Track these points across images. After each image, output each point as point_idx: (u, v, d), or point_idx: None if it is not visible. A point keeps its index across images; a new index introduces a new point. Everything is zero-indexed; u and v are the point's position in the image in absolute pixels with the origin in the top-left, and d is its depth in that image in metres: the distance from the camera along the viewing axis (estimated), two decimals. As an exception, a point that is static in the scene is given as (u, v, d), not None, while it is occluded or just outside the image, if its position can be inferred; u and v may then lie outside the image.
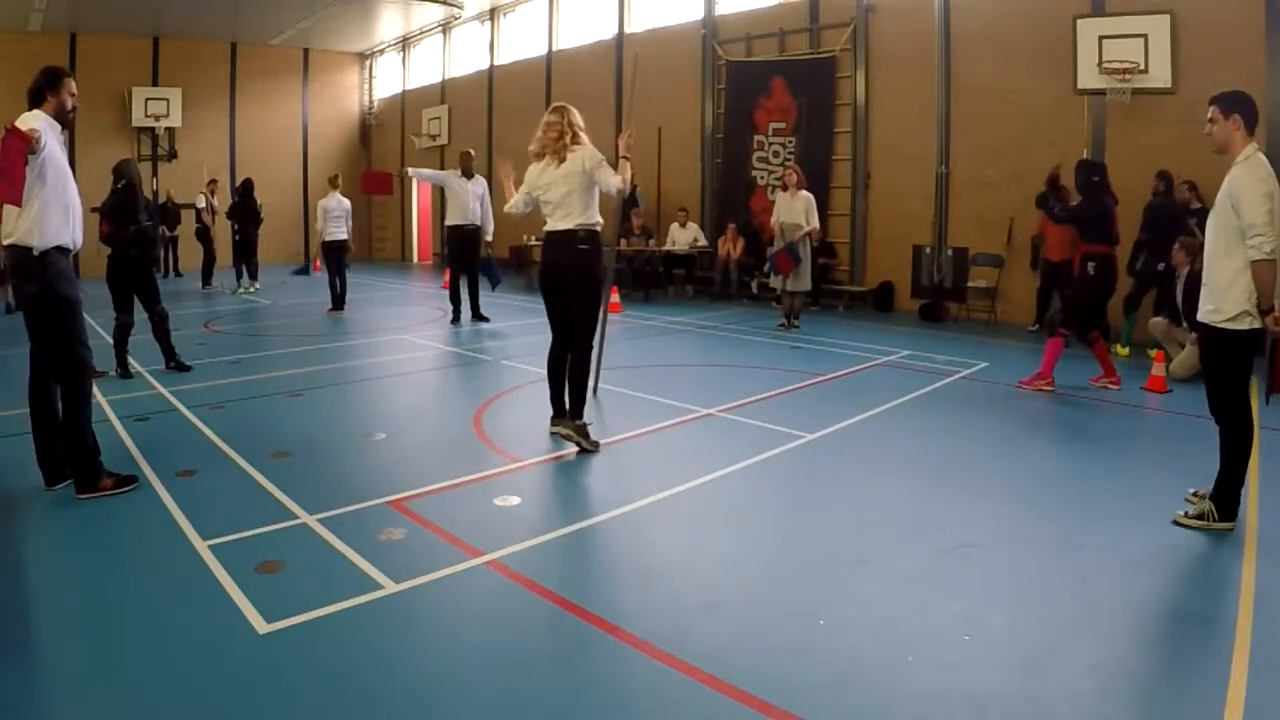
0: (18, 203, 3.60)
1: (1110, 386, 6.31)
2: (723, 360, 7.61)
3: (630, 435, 5.05)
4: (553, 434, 4.81)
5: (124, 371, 6.56)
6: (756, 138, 12.50)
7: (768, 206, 12.26)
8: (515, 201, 4.95)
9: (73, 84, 3.91)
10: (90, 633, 2.70)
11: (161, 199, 15.95)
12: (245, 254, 13.35)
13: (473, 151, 10.22)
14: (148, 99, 17.31)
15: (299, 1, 15.99)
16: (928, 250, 10.63)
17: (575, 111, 4.78)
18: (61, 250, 3.80)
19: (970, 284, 10.29)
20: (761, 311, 10.91)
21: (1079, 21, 8.88)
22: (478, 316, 9.77)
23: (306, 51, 20.03)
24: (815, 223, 9.22)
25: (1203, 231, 7.23)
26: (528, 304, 11.37)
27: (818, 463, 4.61)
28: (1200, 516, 3.60)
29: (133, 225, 6.42)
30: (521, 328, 9.28)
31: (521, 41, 17.18)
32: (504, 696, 2.38)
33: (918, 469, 4.48)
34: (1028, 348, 8.20)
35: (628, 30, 14.63)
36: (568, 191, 4.63)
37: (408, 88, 20.47)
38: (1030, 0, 9.65)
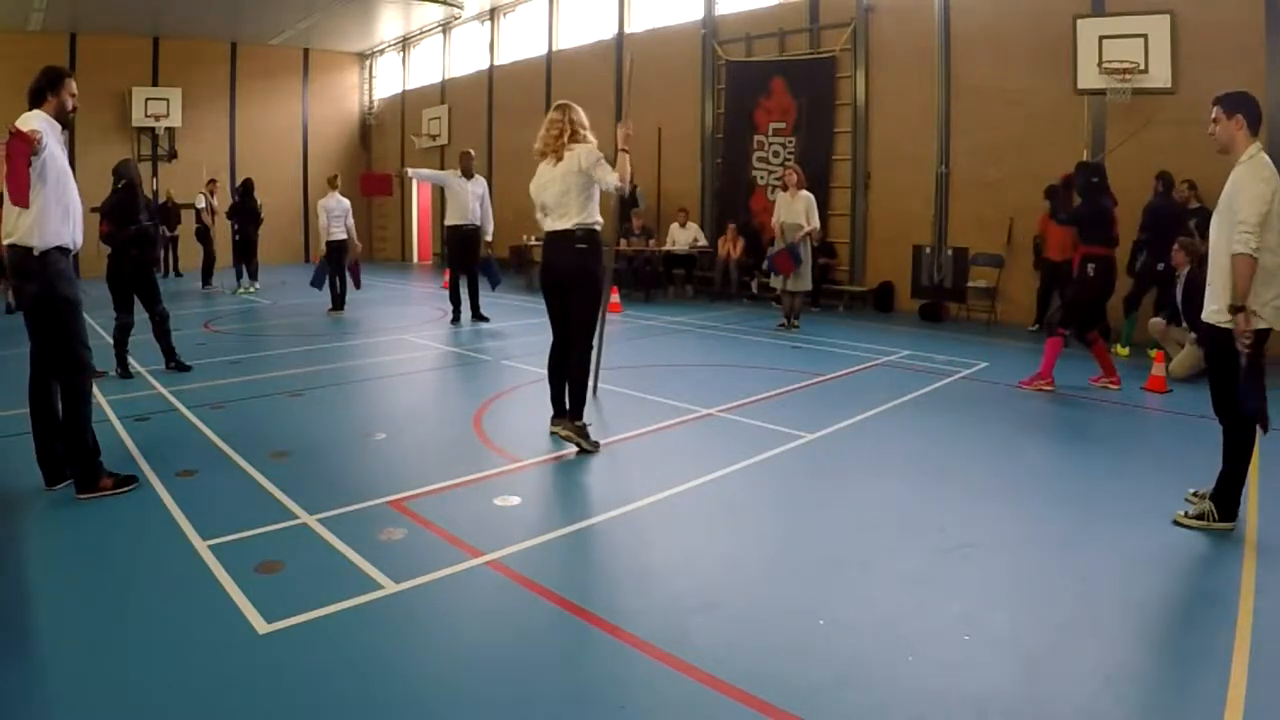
0: (25, 204, 3.61)
1: (1110, 386, 6.31)
2: (723, 360, 7.61)
3: (630, 435, 5.05)
4: (553, 434, 4.81)
5: (124, 371, 6.56)
6: (756, 138, 12.50)
7: (768, 206, 12.27)
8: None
9: (73, 84, 3.91)
10: (90, 633, 2.70)
11: (161, 199, 15.95)
12: (245, 254, 13.35)
13: (472, 151, 10.21)
14: (148, 99, 17.32)
15: (299, 1, 16.00)
16: (928, 250, 10.63)
17: (579, 109, 4.76)
18: (62, 250, 3.80)
19: (970, 284, 10.28)
20: (761, 311, 10.91)
21: (1079, 21, 8.88)
22: (478, 316, 9.77)
23: (306, 51, 20.04)
24: (815, 223, 9.23)
25: (1202, 232, 7.27)
26: (528, 304, 11.38)
27: (818, 463, 4.61)
28: (1200, 516, 3.60)
29: (133, 225, 6.42)
30: (521, 328, 9.28)
31: (521, 41, 17.18)
32: (504, 696, 2.38)
33: (918, 469, 4.48)
34: (1028, 348, 8.20)
35: (628, 30, 14.63)
36: (564, 191, 4.60)
37: (408, 88, 20.48)
38: (1030, 0, 9.65)
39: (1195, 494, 3.85)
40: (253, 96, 19.22)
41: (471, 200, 9.57)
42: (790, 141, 12.13)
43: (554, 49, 16.22)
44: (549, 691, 2.41)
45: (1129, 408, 5.93)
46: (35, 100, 3.79)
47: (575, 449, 4.62)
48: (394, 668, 2.50)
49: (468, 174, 9.63)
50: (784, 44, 12.27)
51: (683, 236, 12.73)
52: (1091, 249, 6.23)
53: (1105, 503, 3.95)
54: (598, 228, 4.67)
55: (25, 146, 3.51)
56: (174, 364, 6.80)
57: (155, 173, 17.60)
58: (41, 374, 3.90)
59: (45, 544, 3.46)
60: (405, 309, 11.58)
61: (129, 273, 6.52)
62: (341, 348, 8.34)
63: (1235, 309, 3.45)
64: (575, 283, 4.65)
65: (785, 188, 9.35)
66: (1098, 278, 6.20)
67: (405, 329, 9.47)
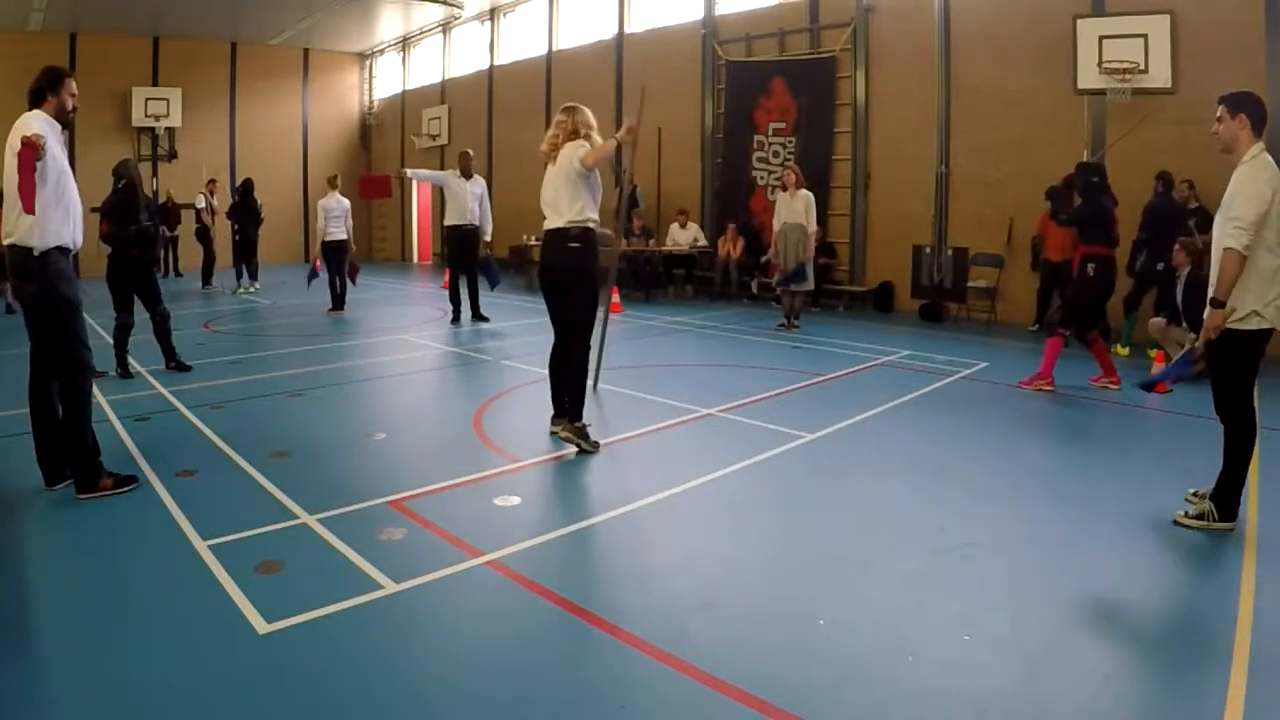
0: (32, 210, 3.61)
1: (1110, 386, 6.32)
2: (723, 360, 7.61)
3: (630, 435, 5.05)
4: (553, 434, 4.80)
5: (124, 371, 6.56)
6: (756, 138, 12.50)
7: (768, 206, 12.27)
8: None
9: (73, 84, 3.91)
10: (90, 633, 2.70)
11: (161, 199, 15.95)
12: (245, 254, 13.35)
13: (471, 151, 10.20)
14: (148, 99, 17.32)
15: (299, 1, 16.00)
16: (928, 250, 10.63)
17: (586, 111, 4.77)
18: (62, 250, 3.80)
19: (970, 284, 10.29)
20: (761, 311, 10.91)
21: (1079, 21, 8.88)
22: (478, 316, 9.77)
23: (306, 51, 20.04)
24: (815, 224, 9.20)
25: (1201, 231, 7.28)
26: (528, 304, 11.37)
27: (818, 463, 4.61)
28: (1200, 516, 3.60)
29: (133, 225, 6.42)
30: (521, 328, 9.27)
31: (521, 41, 17.18)
32: (504, 696, 2.38)
33: (918, 469, 4.48)
34: (1028, 348, 8.20)
35: (628, 30, 14.64)
36: (556, 189, 4.63)
37: (408, 88, 20.48)
38: (1030, 0, 9.65)
39: (1195, 494, 3.85)
40: (253, 96, 19.22)
41: (470, 200, 9.56)
42: (790, 141, 12.13)
43: (554, 49, 16.22)
44: (549, 691, 2.41)
45: (1129, 408, 5.93)
46: (35, 100, 3.79)
47: (575, 449, 4.62)
48: (394, 668, 2.50)
49: (466, 174, 9.63)
50: (784, 44, 12.27)
51: (683, 237, 12.73)
52: (1092, 249, 6.23)
53: (1105, 503, 3.95)
54: (592, 225, 4.63)
55: (31, 154, 3.52)
56: (174, 364, 6.80)
57: (155, 173, 17.60)
58: (41, 374, 3.90)
59: (45, 544, 3.46)
60: (405, 309, 11.58)
61: (129, 273, 6.52)
62: (341, 348, 8.34)
63: (1216, 303, 3.49)
64: (571, 282, 4.65)
65: (784, 188, 9.35)
66: (1097, 278, 6.20)
67: (405, 329, 9.47)
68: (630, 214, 12.30)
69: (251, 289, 13.31)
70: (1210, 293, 3.65)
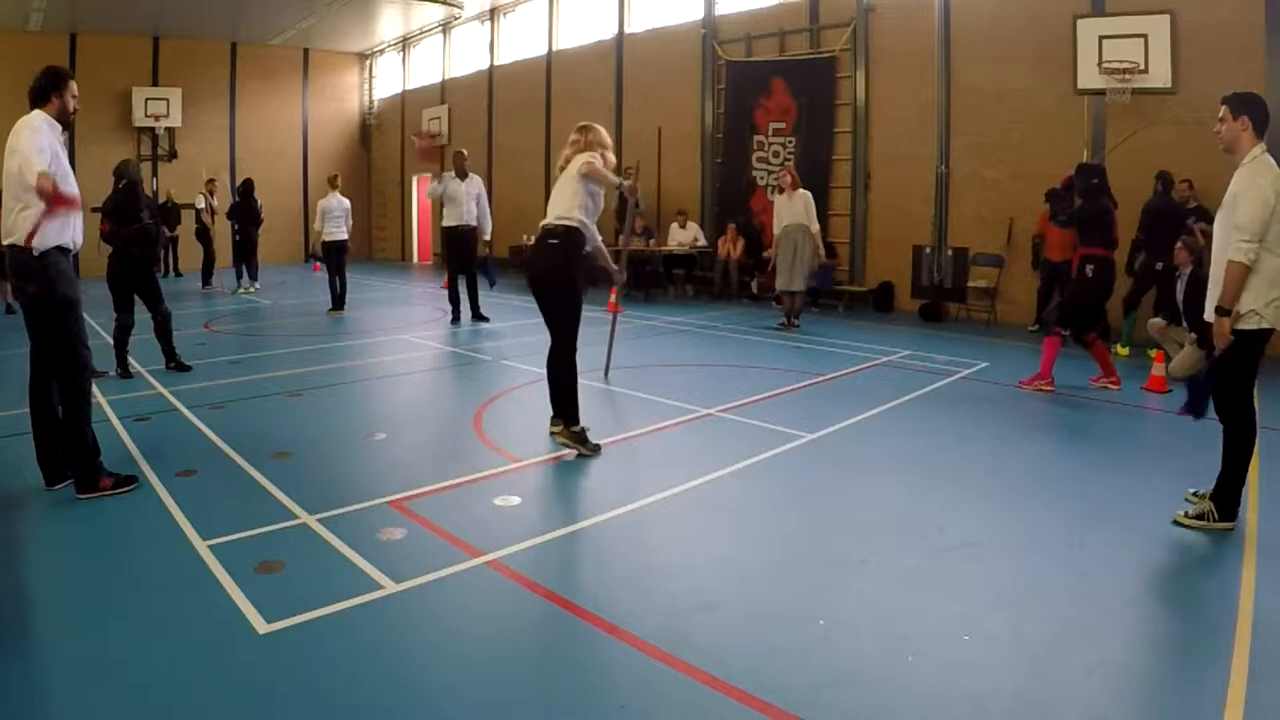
0: (77, 205, 3.81)
1: (1110, 387, 6.31)
2: (723, 360, 7.61)
3: (630, 435, 5.05)
4: (552, 434, 4.80)
5: (124, 372, 6.56)
6: (756, 138, 12.50)
7: (768, 207, 12.25)
8: None
9: (75, 85, 3.90)
10: (90, 633, 2.70)
11: (162, 199, 15.95)
12: (245, 254, 13.35)
13: (465, 151, 10.20)
14: (148, 99, 17.32)
15: (299, 1, 15.99)
16: (928, 250, 10.63)
17: (600, 130, 4.80)
18: (62, 250, 3.79)
19: (970, 284, 10.29)
20: (761, 311, 10.90)
21: (1079, 21, 8.88)
22: (478, 316, 9.78)
23: (306, 51, 20.03)
24: (816, 223, 9.20)
25: (1201, 230, 7.27)
26: (527, 304, 11.32)
27: (818, 463, 4.61)
28: (1200, 516, 3.60)
29: (134, 224, 6.42)
30: (521, 328, 9.27)
31: (521, 41, 17.18)
32: (504, 696, 2.38)
33: (917, 469, 4.48)
34: (1028, 348, 8.20)
35: (628, 30, 14.64)
36: (558, 191, 4.68)
37: (408, 88, 20.48)
38: (1030, 0, 9.65)
39: (1195, 494, 3.85)
40: (253, 96, 19.22)
41: (467, 200, 9.58)
42: (790, 141, 12.13)
43: (554, 49, 16.22)
44: (549, 691, 2.41)
45: (1129, 408, 5.93)
46: (38, 100, 3.78)
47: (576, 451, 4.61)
48: (394, 668, 2.50)
49: (462, 174, 9.64)
50: (784, 44, 12.27)
51: (682, 237, 12.73)
52: (1091, 250, 6.23)
53: (1105, 503, 3.95)
54: (577, 225, 4.58)
55: (51, 192, 3.60)
56: (174, 364, 6.80)
57: (155, 173, 17.60)
58: (41, 374, 3.90)
59: (45, 544, 3.46)
60: (405, 309, 11.59)
61: (130, 273, 6.52)
62: (341, 348, 8.34)
63: (1221, 311, 3.49)
64: (549, 280, 4.62)
65: (782, 190, 9.34)
66: (1096, 279, 6.20)
67: (405, 329, 9.47)
68: (632, 218, 12.29)
69: (251, 289, 13.31)
70: (1211, 294, 3.65)
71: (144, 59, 17.60)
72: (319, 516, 3.63)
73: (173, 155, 17.90)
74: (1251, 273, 3.45)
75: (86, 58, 16.35)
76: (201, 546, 3.30)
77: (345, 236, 10.50)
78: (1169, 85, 8.43)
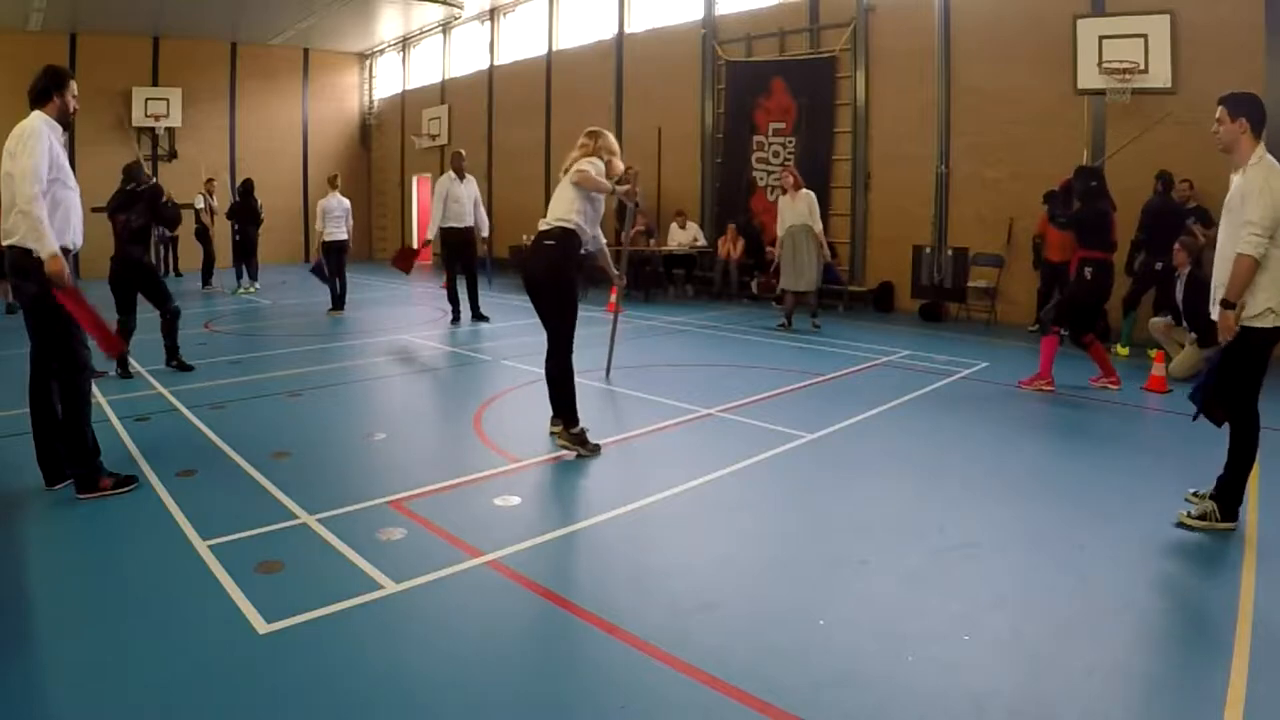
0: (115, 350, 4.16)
1: (1110, 387, 6.31)
2: (723, 360, 7.61)
3: (630, 435, 5.05)
4: (552, 434, 4.80)
5: (124, 372, 6.56)
6: (756, 138, 12.50)
7: (768, 207, 12.28)
8: None
9: (76, 86, 3.90)
10: (90, 632, 2.69)
11: (162, 199, 15.92)
12: (245, 254, 13.35)
13: (463, 152, 10.20)
14: (148, 99, 17.31)
15: (299, 1, 15.98)
16: (928, 250, 10.62)
17: (609, 136, 4.81)
18: (61, 251, 3.79)
19: (970, 284, 10.29)
20: (762, 311, 10.90)
21: (1079, 21, 8.88)
22: (477, 316, 9.79)
23: (306, 51, 20.03)
24: (819, 223, 9.18)
25: (1205, 227, 7.27)
26: (528, 304, 11.33)
27: (818, 463, 4.61)
28: (1203, 517, 3.60)
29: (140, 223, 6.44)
30: (521, 327, 9.27)
31: (521, 41, 17.18)
32: (504, 696, 2.38)
33: (918, 469, 4.48)
34: (1027, 348, 8.19)
35: (628, 30, 14.64)
36: (558, 193, 4.67)
37: (408, 88, 20.48)
38: (1030, 0, 9.65)
39: (1195, 494, 3.85)
40: (253, 96, 19.21)
41: (466, 201, 9.61)
42: (790, 141, 12.12)
43: (554, 49, 16.22)
44: (549, 691, 2.41)
45: (1129, 408, 5.93)
46: (38, 100, 3.77)
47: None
48: (394, 667, 2.50)
49: (460, 175, 9.66)
50: (784, 44, 12.27)
51: (682, 237, 12.73)
52: (1089, 253, 6.22)
53: (1105, 503, 3.95)
54: (573, 227, 4.57)
55: (81, 308, 3.75)
56: (175, 363, 6.79)
57: (155, 173, 17.57)
58: (41, 374, 3.90)
59: (45, 544, 3.46)
60: (405, 309, 11.59)
61: (133, 275, 6.52)
62: (341, 348, 8.34)
63: (1226, 304, 3.49)
64: (542, 282, 4.62)
65: (785, 191, 9.33)
66: (1094, 281, 6.20)
67: (405, 329, 9.47)
68: (632, 218, 12.29)
69: (251, 289, 13.31)
70: (1215, 294, 3.64)
71: (144, 59, 17.59)
72: (319, 516, 3.63)
73: (173, 155, 17.89)
74: (1261, 270, 3.43)
75: (86, 58, 16.34)
76: (201, 546, 3.30)
77: (345, 236, 10.50)
78: (1169, 85, 8.43)
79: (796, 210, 9.10)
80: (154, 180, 6.62)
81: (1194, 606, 3.04)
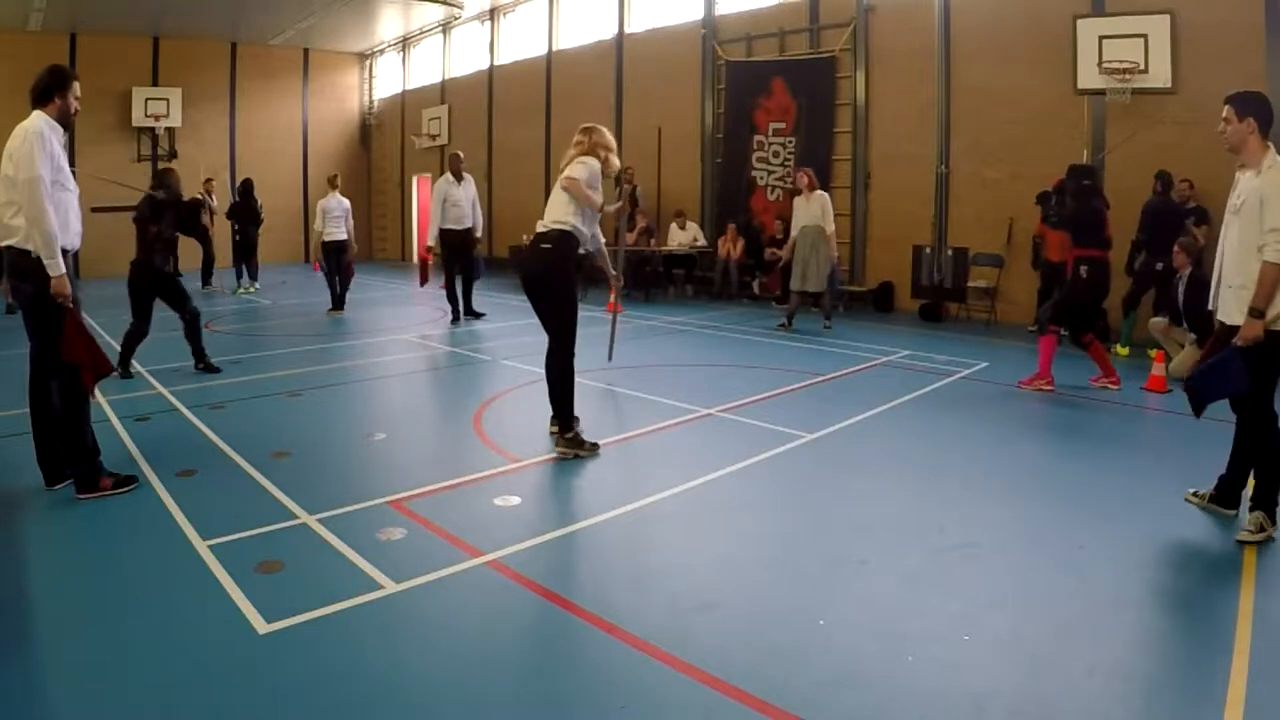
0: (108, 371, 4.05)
1: (1110, 387, 6.31)
2: (723, 360, 7.61)
3: (630, 435, 5.05)
4: (552, 434, 4.79)
5: (124, 372, 6.55)
6: (756, 138, 12.50)
7: (768, 206, 12.29)
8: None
9: (78, 87, 3.89)
10: (90, 632, 2.69)
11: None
12: (245, 254, 13.35)
13: (461, 154, 10.21)
14: (148, 99, 17.30)
15: (299, 1, 15.98)
16: (928, 250, 10.62)
17: (604, 132, 4.76)
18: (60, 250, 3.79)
19: (970, 284, 10.28)
20: (762, 311, 10.90)
21: (1079, 21, 8.88)
22: (470, 313, 9.81)
23: (306, 51, 20.02)
24: (832, 225, 9.16)
25: (1201, 224, 7.24)
26: (527, 304, 11.34)
27: (818, 463, 4.61)
28: (1260, 529, 3.45)
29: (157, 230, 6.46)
30: (520, 328, 9.26)
31: (521, 41, 17.17)
32: (504, 696, 2.38)
33: (918, 469, 4.48)
34: (1027, 348, 8.19)
35: (628, 30, 14.63)
36: (554, 194, 4.63)
37: (408, 88, 20.47)
38: (1030, 0, 9.65)
39: (1195, 494, 3.85)
40: (253, 96, 19.20)
41: (465, 203, 9.64)
42: (790, 141, 12.12)
43: (554, 49, 16.22)
44: (549, 691, 2.41)
45: (1129, 408, 5.93)
46: (40, 100, 3.76)
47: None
48: (394, 667, 2.50)
49: (458, 177, 9.68)
50: (784, 44, 12.27)
51: (682, 237, 12.73)
52: (1085, 251, 6.22)
53: (1105, 503, 3.95)
54: (569, 229, 4.53)
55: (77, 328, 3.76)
56: (203, 365, 6.75)
57: (156, 173, 17.59)
58: (41, 374, 3.90)
59: (45, 544, 3.46)
60: (405, 309, 11.59)
61: (152, 280, 6.52)
62: (341, 348, 8.34)
63: (1256, 313, 3.41)
64: (540, 286, 4.59)
65: (799, 191, 9.30)
66: (1091, 279, 6.20)
67: (405, 329, 9.47)
68: (632, 217, 12.30)
69: (251, 289, 13.30)
70: (1223, 294, 3.59)
71: (144, 59, 17.59)
72: (319, 516, 3.63)
73: (173, 155, 17.87)
74: None
75: (86, 58, 16.33)
76: (201, 546, 3.30)
77: (345, 236, 10.50)
78: (1169, 85, 8.43)
79: (810, 211, 9.09)
80: (164, 192, 6.59)
81: (1194, 606, 3.04)
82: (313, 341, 8.68)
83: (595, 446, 4.63)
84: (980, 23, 10.14)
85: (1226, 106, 3.58)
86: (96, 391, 5.01)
